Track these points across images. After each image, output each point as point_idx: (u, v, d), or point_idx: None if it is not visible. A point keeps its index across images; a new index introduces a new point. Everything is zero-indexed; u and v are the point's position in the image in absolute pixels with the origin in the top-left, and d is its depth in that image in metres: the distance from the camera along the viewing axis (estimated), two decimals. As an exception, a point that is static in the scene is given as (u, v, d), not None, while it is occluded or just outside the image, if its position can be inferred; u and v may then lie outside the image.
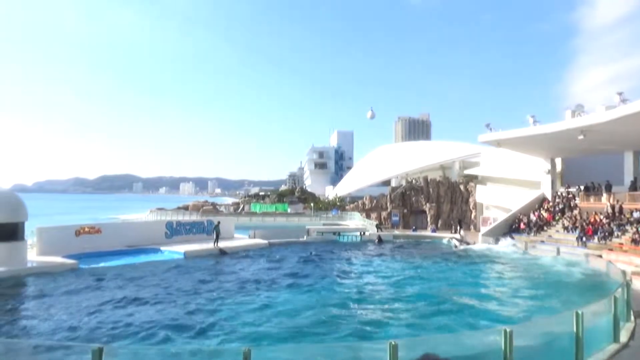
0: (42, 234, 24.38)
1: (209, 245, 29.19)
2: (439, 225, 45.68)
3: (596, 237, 27.53)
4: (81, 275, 20.36)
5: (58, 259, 22.62)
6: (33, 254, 23.11)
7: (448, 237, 37.88)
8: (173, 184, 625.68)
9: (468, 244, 33.94)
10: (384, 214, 49.45)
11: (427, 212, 47.89)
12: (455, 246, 33.72)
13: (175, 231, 31.44)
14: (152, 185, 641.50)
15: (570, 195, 34.94)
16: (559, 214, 33.46)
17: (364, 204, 53.28)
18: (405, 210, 49.11)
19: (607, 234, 27.10)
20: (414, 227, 45.14)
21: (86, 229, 26.68)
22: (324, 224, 47.78)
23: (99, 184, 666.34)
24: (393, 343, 6.23)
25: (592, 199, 32.48)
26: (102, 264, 22.98)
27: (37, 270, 20.51)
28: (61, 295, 16.38)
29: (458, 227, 39.90)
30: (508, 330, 7.14)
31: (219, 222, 31.73)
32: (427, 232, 42.64)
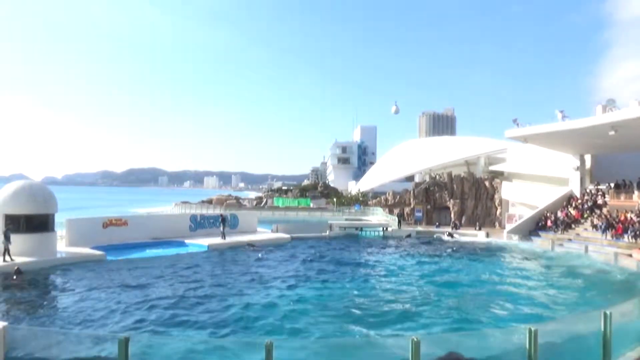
0: (71, 226, 25.02)
1: (233, 238, 29.51)
2: (462, 221, 45.08)
3: (626, 236, 26.82)
4: (108, 266, 20.85)
5: (86, 250, 23.20)
6: (62, 245, 23.74)
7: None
8: (197, 178, 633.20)
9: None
10: (407, 209, 49.06)
11: (451, 209, 47.33)
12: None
13: (199, 224, 31.85)
14: (177, 178, 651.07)
15: (600, 193, 34.07)
16: (588, 211, 32.68)
17: (386, 199, 52.94)
18: (429, 207, 48.64)
19: (637, 232, 26.36)
20: (437, 224, 44.71)
21: (113, 221, 27.25)
22: (346, 219, 47.72)
23: (126, 177, 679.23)
24: (415, 339, 6.17)
25: (622, 197, 31.60)
26: (128, 256, 23.47)
27: (66, 261, 21.08)
28: (89, 285, 16.79)
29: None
30: (533, 329, 7.01)
31: (221, 215, 32.07)
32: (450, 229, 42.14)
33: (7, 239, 19.31)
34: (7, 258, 19.12)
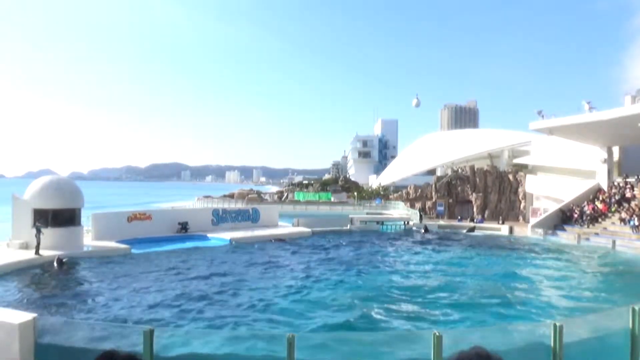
0: (97, 220, 25.53)
1: (254, 232, 29.72)
2: (485, 215, 44.49)
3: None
4: (133, 259, 21.24)
5: (112, 244, 23.64)
6: (89, 239, 24.24)
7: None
8: (219, 173, 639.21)
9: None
10: (428, 203, 48.66)
11: (473, 202, 46.74)
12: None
13: (221, 219, 32.16)
14: (199, 173, 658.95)
15: (629, 186, 33.17)
16: (616, 205, 31.87)
17: (408, 193, 52.58)
18: (451, 200, 48.11)
19: (668, 226, 25.62)
20: (459, 217, 44.23)
21: (137, 215, 27.69)
22: (367, 213, 47.58)
23: (150, 172, 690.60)
24: (437, 334, 6.10)
25: (652, 190, 30.74)
26: (152, 249, 23.85)
27: (92, 254, 21.55)
28: (115, 278, 17.14)
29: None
30: (558, 324, 6.87)
31: (183, 222, 29.37)
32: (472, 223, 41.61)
33: (38, 232, 19.77)
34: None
